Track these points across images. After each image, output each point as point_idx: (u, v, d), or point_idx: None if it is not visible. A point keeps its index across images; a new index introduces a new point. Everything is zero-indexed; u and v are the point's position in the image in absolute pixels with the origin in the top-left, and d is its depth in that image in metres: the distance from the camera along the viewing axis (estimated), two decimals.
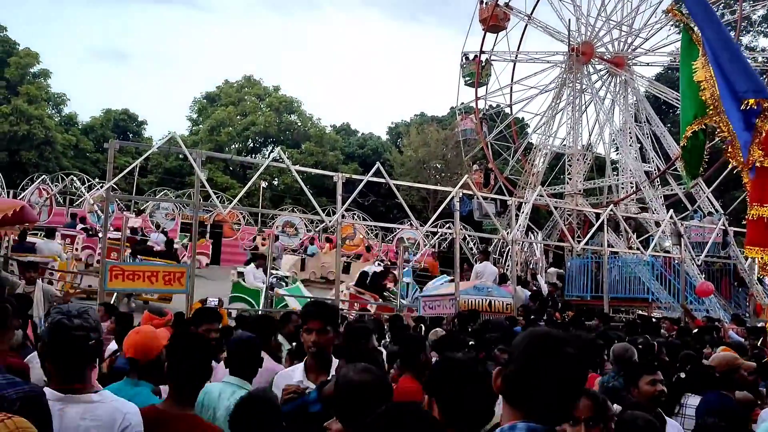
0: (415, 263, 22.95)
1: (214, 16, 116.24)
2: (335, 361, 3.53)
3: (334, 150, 46.78)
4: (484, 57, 29.85)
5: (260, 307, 12.67)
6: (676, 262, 16.28)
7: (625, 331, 9.24)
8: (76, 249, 17.60)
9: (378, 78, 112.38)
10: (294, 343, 5.44)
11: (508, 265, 19.81)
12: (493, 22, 28.45)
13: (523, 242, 22.29)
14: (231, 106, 47.89)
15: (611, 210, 15.97)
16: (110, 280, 9.19)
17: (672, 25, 26.99)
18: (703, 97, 4.86)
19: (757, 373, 5.42)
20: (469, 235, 24.93)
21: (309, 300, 10.49)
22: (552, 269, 22.95)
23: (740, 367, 4.78)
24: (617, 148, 27.58)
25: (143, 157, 16.99)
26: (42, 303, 9.05)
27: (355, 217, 29.36)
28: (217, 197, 23.22)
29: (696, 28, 5.07)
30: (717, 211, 21.98)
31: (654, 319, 13.01)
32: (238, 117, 47.70)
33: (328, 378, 3.18)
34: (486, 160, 29.96)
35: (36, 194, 21.55)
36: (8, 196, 22.75)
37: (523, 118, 34.21)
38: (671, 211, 17.55)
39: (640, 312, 16.65)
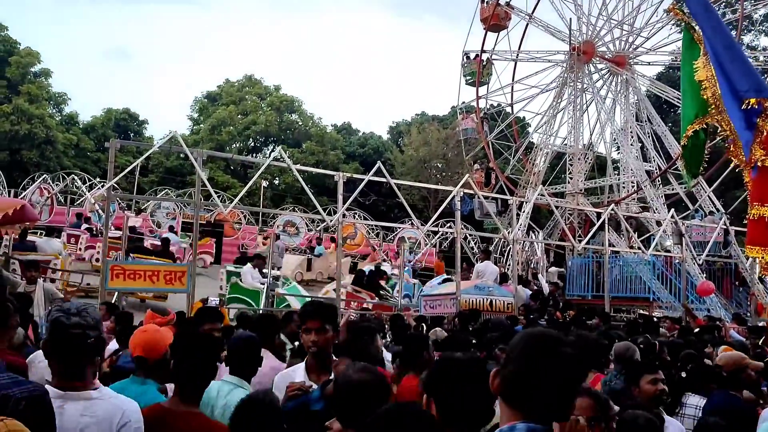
0: (416, 263, 22.95)
1: (214, 16, 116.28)
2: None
3: (335, 149, 46.79)
4: (485, 56, 29.83)
5: (260, 307, 12.65)
6: (677, 261, 16.27)
7: (626, 331, 9.23)
8: (80, 249, 17.66)
9: (379, 77, 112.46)
10: (297, 343, 5.44)
11: (509, 265, 19.81)
12: (494, 21, 28.42)
13: (524, 241, 22.30)
14: (232, 105, 47.90)
15: (612, 209, 15.96)
16: (111, 280, 9.19)
17: (673, 25, 26.95)
18: (704, 96, 4.86)
19: (759, 373, 5.41)
20: (470, 235, 24.92)
21: (307, 300, 10.49)
22: (553, 268, 22.96)
23: (747, 367, 4.76)
24: (618, 147, 27.56)
25: (144, 157, 17.01)
26: (43, 302, 9.05)
27: (356, 216, 29.37)
28: (218, 196, 23.10)
29: (697, 28, 5.07)
30: (718, 210, 21.97)
31: (655, 319, 13.01)
32: (239, 116, 47.71)
33: (330, 377, 3.18)
34: (487, 159, 29.95)
35: (37, 193, 21.59)
36: (9, 196, 22.77)
37: (524, 118, 34.23)
38: (672, 210, 17.54)
39: (641, 312, 16.64)
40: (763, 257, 5.46)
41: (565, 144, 28.74)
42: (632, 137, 26.14)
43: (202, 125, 48.89)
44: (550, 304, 14.70)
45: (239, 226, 26.92)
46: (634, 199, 25.59)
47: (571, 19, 26.92)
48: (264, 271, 14.02)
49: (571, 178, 27.06)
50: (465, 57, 30.30)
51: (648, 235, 22.50)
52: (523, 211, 17.31)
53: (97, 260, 15.83)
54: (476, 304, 11.90)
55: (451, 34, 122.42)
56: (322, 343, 3.47)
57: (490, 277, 13.91)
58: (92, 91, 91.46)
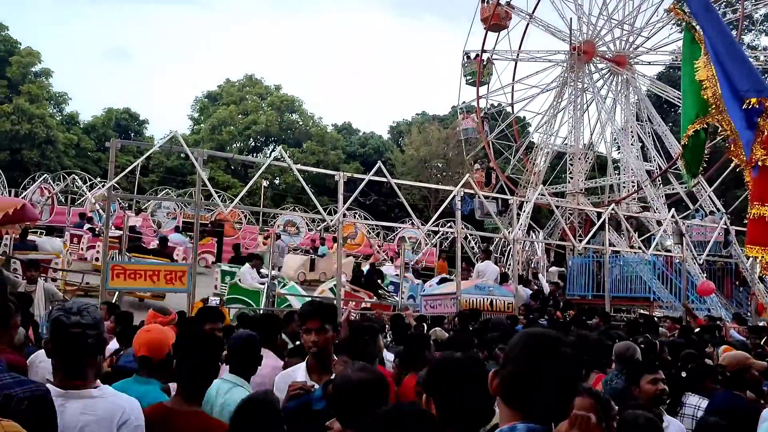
0: (417, 263, 22.95)
1: (215, 15, 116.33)
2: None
3: (336, 149, 46.80)
4: (485, 56, 29.83)
5: (261, 307, 12.64)
6: (678, 261, 16.26)
7: (627, 331, 9.23)
8: (82, 249, 17.70)
9: (379, 77, 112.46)
10: (297, 342, 5.44)
11: (510, 264, 19.81)
12: (495, 21, 28.40)
13: (524, 241, 22.30)
14: (232, 105, 47.91)
15: (613, 209, 15.95)
16: (112, 279, 9.19)
17: (674, 24, 26.94)
18: (705, 96, 4.86)
19: (760, 373, 5.41)
20: (470, 234, 24.92)
21: (307, 300, 10.48)
22: (553, 268, 22.97)
23: (752, 367, 4.76)
24: (619, 147, 27.56)
25: (145, 156, 17.00)
26: (43, 302, 9.06)
27: (357, 216, 29.38)
28: (219, 196, 23.11)
29: (698, 27, 5.07)
30: (718, 210, 21.97)
31: (656, 319, 13.01)
32: (240, 116, 47.72)
33: (332, 377, 3.18)
34: (487, 159, 29.94)
35: (38, 193, 21.62)
36: (10, 195, 22.77)
37: (524, 117, 34.22)
38: (673, 210, 17.53)
39: (642, 311, 16.63)
40: (763, 257, 5.46)
41: (566, 144, 28.74)
42: (633, 137, 26.13)
43: (202, 125, 48.91)
44: (550, 303, 14.70)
45: (240, 226, 26.94)
46: (634, 198, 25.58)
47: (571, 18, 26.95)
48: (262, 271, 13.99)
49: (571, 178, 27.06)
50: (465, 57, 30.29)
51: (648, 234, 22.50)
52: (524, 211, 17.31)
53: (97, 260, 15.86)
54: (477, 303, 11.89)
55: (451, 34, 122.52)
56: (323, 343, 3.47)
57: (490, 277, 13.91)
58: (93, 90, 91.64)
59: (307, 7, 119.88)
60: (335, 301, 11.50)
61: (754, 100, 4.39)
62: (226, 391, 3.48)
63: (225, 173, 42.08)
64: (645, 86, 28.01)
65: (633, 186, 25.63)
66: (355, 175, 13.40)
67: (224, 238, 25.27)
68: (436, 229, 18.32)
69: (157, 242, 17.77)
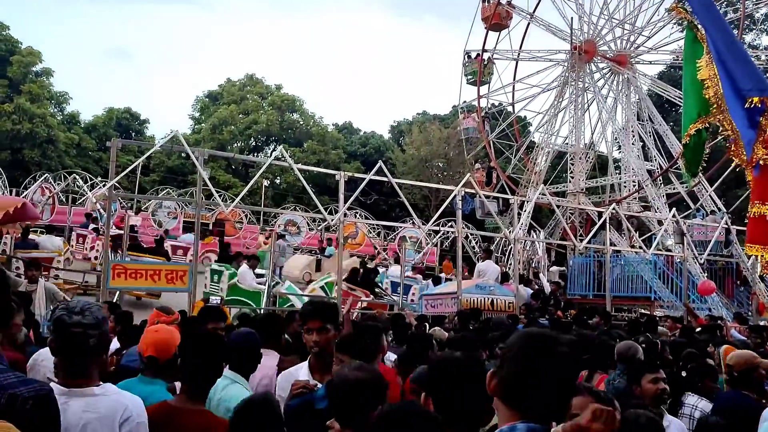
0: (418, 262, 22.93)
1: (216, 15, 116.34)
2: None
3: (337, 148, 46.77)
4: (486, 55, 29.81)
5: (262, 306, 12.63)
6: (679, 260, 16.26)
7: (628, 330, 9.23)
8: (86, 248, 17.75)
9: (380, 76, 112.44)
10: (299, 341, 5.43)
11: (511, 264, 19.80)
12: (496, 20, 28.38)
13: (525, 241, 22.29)
14: (233, 104, 47.90)
15: (613, 208, 15.94)
16: (113, 279, 9.20)
17: (675, 24, 26.94)
18: (706, 96, 4.85)
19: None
20: (471, 234, 24.91)
21: (308, 300, 10.46)
22: (554, 268, 22.94)
23: (759, 366, 4.74)
24: (619, 146, 27.54)
25: (146, 156, 16.98)
26: (44, 301, 9.07)
27: (358, 215, 29.39)
28: (220, 196, 23.10)
29: (700, 26, 5.06)
30: (719, 209, 21.96)
31: (657, 318, 12.99)
32: (241, 115, 47.71)
33: None
34: (488, 158, 29.92)
35: (39, 193, 21.64)
36: (11, 195, 22.78)
37: (525, 117, 34.21)
38: (674, 209, 17.52)
39: (643, 311, 16.62)
40: (763, 255, 5.46)
41: (567, 143, 28.73)
42: (633, 136, 26.12)
43: (203, 124, 48.91)
44: (551, 303, 14.69)
45: (241, 226, 26.95)
46: (635, 198, 25.57)
47: (572, 18, 26.92)
48: (256, 271, 13.97)
49: (572, 178, 27.05)
50: (466, 56, 30.27)
51: (649, 234, 22.49)
52: (525, 211, 17.29)
53: (97, 258, 15.89)
54: (477, 303, 11.89)
55: (451, 33, 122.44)
56: (324, 343, 3.47)
57: (491, 277, 13.91)
58: (93, 90, 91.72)
59: (307, 7, 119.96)
60: (326, 299, 11.49)
61: (756, 99, 4.38)
62: (223, 388, 3.50)
63: (226, 173, 42.08)
64: (646, 86, 28.00)
65: (634, 185, 25.62)
66: (356, 175, 13.40)
67: (225, 237, 25.34)
68: (437, 228, 18.31)
69: (159, 240, 17.84)
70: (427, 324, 9.56)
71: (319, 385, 3.18)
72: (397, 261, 21.53)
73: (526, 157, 29.82)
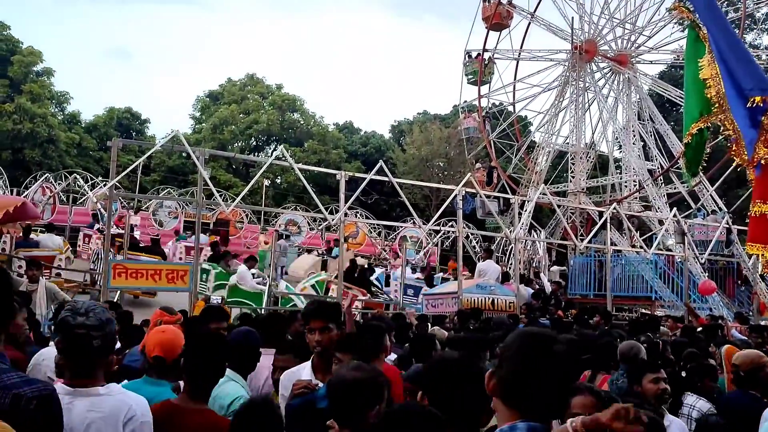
0: (418, 262, 22.94)
1: (216, 15, 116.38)
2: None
3: (337, 148, 46.77)
4: (487, 55, 29.79)
5: (263, 306, 12.62)
6: (680, 260, 16.25)
7: (629, 330, 9.22)
8: (91, 248, 17.81)
9: (380, 77, 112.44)
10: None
11: (511, 264, 19.80)
12: (496, 20, 28.36)
13: (526, 240, 22.28)
14: (234, 104, 47.90)
15: (614, 208, 15.94)
16: (113, 278, 9.20)
17: (675, 23, 26.95)
18: (708, 95, 4.85)
19: None
20: (471, 234, 24.91)
21: (310, 300, 10.44)
22: (555, 267, 22.94)
23: (766, 366, 4.74)
24: (620, 146, 27.53)
25: (146, 156, 17.01)
26: (45, 301, 9.06)
27: (358, 215, 29.38)
28: (220, 195, 23.19)
29: (702, 25, 5.06)
30: (720, 209, 21.94)
31: (661, 318, 12.99)
32: (241, 115, 47.72)
33: None
34: (489, 158, 29.91)
35: (39, 192, 21.63)
36: (12, 195, 22.79)
37: (526, 117, 34.20)
38: (674, 209, 17.52)
39: (643, 311, 16.62)
40: (764, 255, 5.46)
41: (567, 143, 28.72)
42: (634, 136, 26.12)
43: (204, 124, 48.92)
44: (551, 303, 14.69)
45: (241, 225, 26.95)
46: (636, 198, 25.56)
47: (573, 18, 26.89)
48: (252, 271, 13.97)
49: (573, 177, 27.04)
50: (467, 56, 30.26)
51: (650, 234, 22.49)
52: (525, 210, 17.29)
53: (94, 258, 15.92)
54: (478, 303, 11.90)
55: (451, 33, 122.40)
56: (326, 343, 3.47)
57: (492, 276, 13.91)
58: (94, 90, 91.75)
59: (307, 7, 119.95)
60: (319, 297, 11.49)
61: (758, 98, 4.39)
62: (219, 385, 3.52)
63: (226, 172, 42.09)
64: (647, 85, 27.99)
65: (635, 185, 25.61)
66: (357, 175, 13.41)
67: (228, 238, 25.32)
68: (437, 228, 18.32)
69: (155, 240, 17.89)
70: (428, 324, 9.55)
71: (321, 385, 3.19)
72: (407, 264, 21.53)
73: (526, 156, 29.82)
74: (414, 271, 19.88)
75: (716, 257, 17.78)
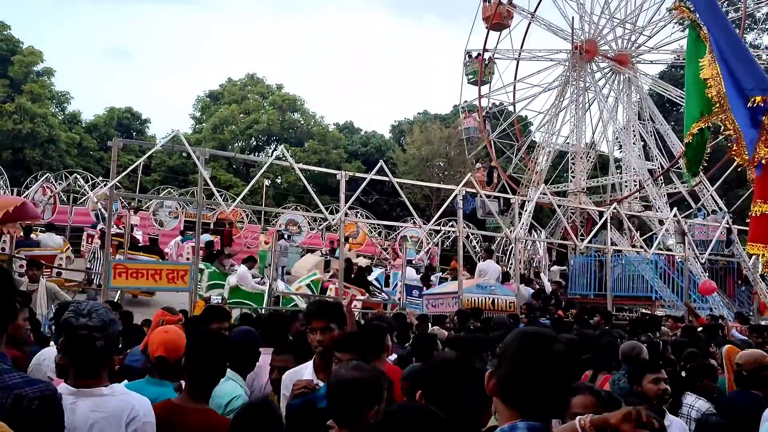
0: (418, 262, 22.94)
1: (217, 15, 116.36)
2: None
3: (338, 148, 46.74)
4: (487, 55, 29.80)
5: (263, 306, 12.62)
6: (680, 260, 16.25)
7: (629, 329, 9.23)
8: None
9: (380, 76, 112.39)
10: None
11: (512, 263, 19.80)
12: (497, 20, 28.37)
13: (526, 240, 22.28)
14: (234, 104, 47.89)
15: (614, 208, 15.94)
16: (114, 278, 9.20)
17: (676, 23, 26.94)
18: (709, 95, 4.85)
19: None
20: (472, 233, 24.90)
21: (312, 300, 10.45)
22: (555, 267, 22.94)
23: None
24: (621, 146, 27.54)
25: (147, 156, 17.03)
26: (45, 300, 9.07)
27: (359, 215, 29.38)
28: (221, 195, 23.23)
29: (703, 25, 5.06)
30: (721, 209, 21.94)
31: (661, 318, 13.00)
32: (242, 115, 47.70)
33: None
34: (489, 158, 29.92)
35: (40, 192, 21.63)
36: (12, 194, 22.80)
37: (526, 116, 34.21)
38: (675, 209, 17.52)
39: (643, 311, 16.62)
40: (764, 254, 5.46)
41: (568, 143, 28.73)
42: (634, 136, 26.12)
43: (204, 124, 48.89)
44: (552, 303, 14.70)
45: (242, 225, 26.95)
46: (636, 197, 25.56)
47: (573, 17, 26.91)
48: (252, 272, 13.96)
49: (573, 177, 27.05)
50: (467, 56, 30.26)
51: (650, 233, 22.48)
52: (526, 210, 17.30)
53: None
54: (478, 302, 11.91)
55: (451, 33, 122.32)
56: (328, 343, 3.48)
57: (492, 276, 13.91)
58: (94, 90, 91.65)
59: (307, 7, 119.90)
60: (313, 297, 11.50)
61: (758, 98, 4.39)
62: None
63: (227, 172, 42.07)
64: (647, 85, 28.00)
65: (635, 185, 25.62)
66: (357, 174, 13.42)
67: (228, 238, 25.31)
68: (437, 228, 18.33)
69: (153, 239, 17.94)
70: (429, 324, 9.56)
71: (322, 385, 3.19)
72: (408, 263, 21.53)
73: (527, 156, 29.82)
74: (419, 272, 19.86)
75: (716, 257, 17.78)
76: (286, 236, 22.60)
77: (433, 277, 19.04)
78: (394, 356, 5.26)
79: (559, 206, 18.33)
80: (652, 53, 27.02)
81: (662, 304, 16.74)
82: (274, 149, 46.58)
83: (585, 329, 8.26)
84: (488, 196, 19.42)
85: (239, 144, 47.15)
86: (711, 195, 23.14)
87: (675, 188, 25.06)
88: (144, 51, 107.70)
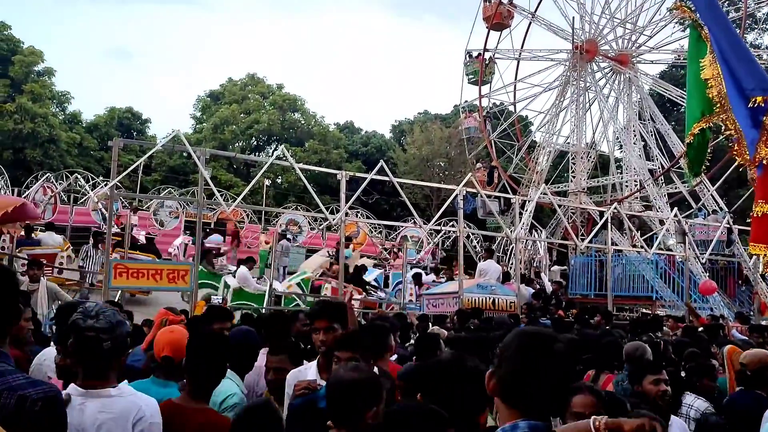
0: (420, 261, 22.94)
1: (217, 15, 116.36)
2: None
3: (338, 148, 46.73)
4: (487, 55, 29.81)
5: (264, 307, 12.62)
6: (680, 260, 16.25)
7: (629, 330, 9.23)
8: None
9: (380, 76, 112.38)
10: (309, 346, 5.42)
11: (512, 263, 19.79)
12: (497, 20, 28.38)
13: (526, 240, 22.28)
14: (235, 104, 47.88)
15: (615, 208, 15.94)
16: (114, 278, 9.20)
17: (676, 23, 26.93)
18: (710, 95, 4.86)
19: None
20: (472, 233, 24.90)
21: (316, 300, 10.45)
22: (555, 267, 22.94)
23: None
24: (621, 146, 27.54)
25: (147, 155, 16.99)
26: (46, 300, 9.07)
27: (359, 215, 29.37)
28: (221, 195, 23.24)
29: (704, 25, 5.07)
30: (721, 209, 21.93)
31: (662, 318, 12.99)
32: (242, 115, 47.70)
33: None
34: (490, 158, 29.93)
35: (40, 192, 21.62)
36: (13, 194, 22.81)
37: (526, 116, 34.21)
38: (675, 209, 17.51)
39: (644, 310, 16.62)
40: (765, 255, 5.46)
41: (568, 143, 28.74)
42: (635, 136, 26.11)
43: (204, 124, 48.88)
44: (552, 302, 14.69)
45: (242, 225, 26.94)
46: (636, 197, 25.56)
47: (573, 17, 26.92)
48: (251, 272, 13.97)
49: (573, 177, 27.05)
50: (467, 56, 30.27)
51: (651, 233, 22.47)
52: (526, 210, 17.30)
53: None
54: (479, 302, 11.90)
55: (451, 33, 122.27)
56: (331, 343, 3.49)
57: (492, 276, 13.91)
58: (95, 90, 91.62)
59: (307, 7, 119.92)
60: (305, 296, 11.47)
61: (759, 98, 4.39)
62: None
63: (227, 172, 42.07)
64: (647, 85, 27.99)
65: (635, 185, 25.61)
66: (358, 174, 13.42)
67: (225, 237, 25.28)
68: (438, 228, 18.31)
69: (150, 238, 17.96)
70: (429, 324, 9.55)
71: (322, 384, 3.19)
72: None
73: (527, 156, 29.81)
74: (426, 272, 19.83)
75: (717, 257, 17.77)
76: (288, 237, 22.57)
77: (425, 278, 19.01)
78: (394, 356, 5.26)
79: (559, 206, 18.32)
80: (652, 53, 27.05)
81: (663, 304, 16.74)
82: (275, 149, 46.56)
83: (585, 329, 8.25)
84: (489, 196, 19.42)
85: (240, 144, 47.14)
86: (711, 195, 23.12)
87: (675, 188, 25.05)
88: (144, 51, 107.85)
